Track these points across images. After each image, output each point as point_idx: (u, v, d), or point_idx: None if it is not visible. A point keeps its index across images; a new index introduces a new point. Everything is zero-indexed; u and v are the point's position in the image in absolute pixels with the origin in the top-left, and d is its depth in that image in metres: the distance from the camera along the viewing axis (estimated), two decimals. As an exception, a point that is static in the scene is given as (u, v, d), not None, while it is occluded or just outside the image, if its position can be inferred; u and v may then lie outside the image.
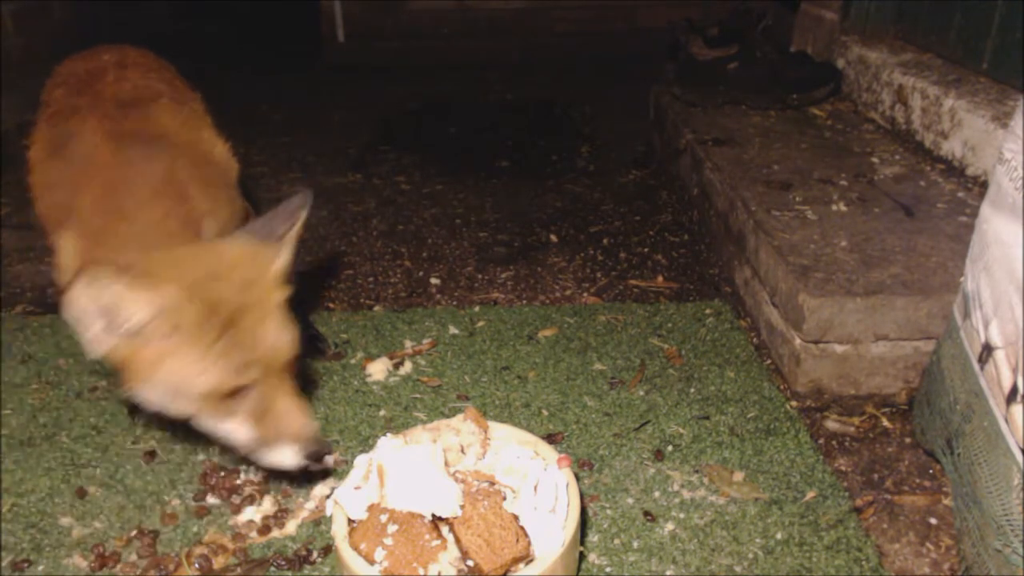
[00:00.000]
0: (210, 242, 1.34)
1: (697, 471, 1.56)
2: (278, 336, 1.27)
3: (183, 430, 1.70)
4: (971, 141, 2.19)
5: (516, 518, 1.19)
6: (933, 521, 1.44)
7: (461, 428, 1.35)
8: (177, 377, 1.20)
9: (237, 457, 1.61)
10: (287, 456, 1.30)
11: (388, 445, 1.26)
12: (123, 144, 1.39)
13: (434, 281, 2.38)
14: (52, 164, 1.41)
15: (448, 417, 1.45)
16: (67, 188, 1.35)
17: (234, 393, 1.22)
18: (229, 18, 5.09)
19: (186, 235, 1.33)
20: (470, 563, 1.14)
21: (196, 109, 1.70)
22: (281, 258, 1.33)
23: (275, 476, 1.56)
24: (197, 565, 1.34)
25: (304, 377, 1.89)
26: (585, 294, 2.29)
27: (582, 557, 1.35)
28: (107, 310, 1.15)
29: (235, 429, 1.28)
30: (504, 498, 1.23)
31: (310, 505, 1.49)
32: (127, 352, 1.20)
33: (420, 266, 2.47)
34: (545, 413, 1.74)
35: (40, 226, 1.47)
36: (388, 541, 1.17)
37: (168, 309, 1.16)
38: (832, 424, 1.72)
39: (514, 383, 1.85)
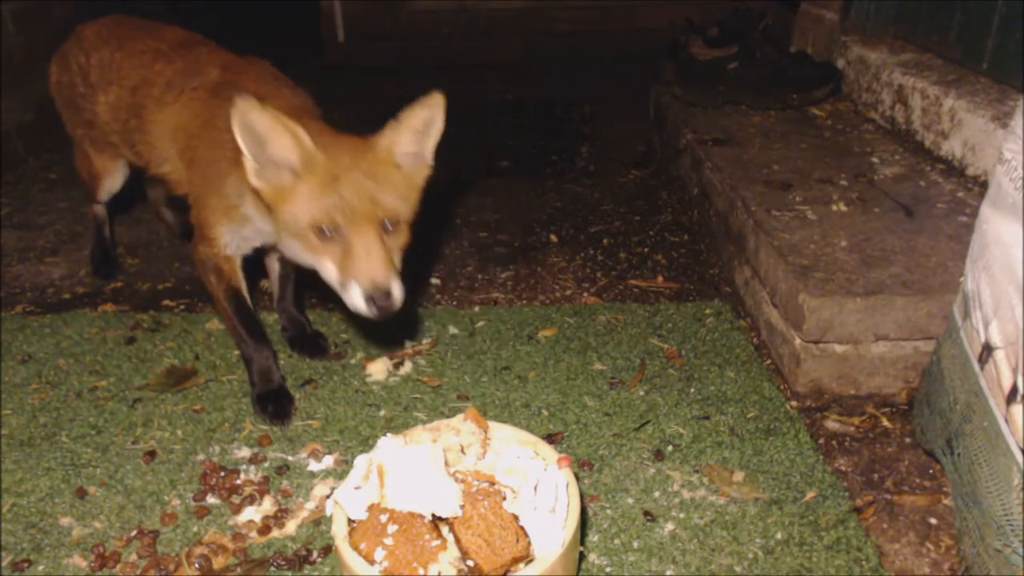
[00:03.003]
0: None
1: (697, 471, 1.56)
2: (376, 189, 1.43)
3: (183, 430, 1.71)
4: (971, 141, 2.19)
5: (516, 518, 1.19)
6: (933, 521, 1.44)
7: (461, 428, 1.35)
8: (292, 213, 1.42)
9: (237, 457, 1.62)
10: (355, 295, 1.42)
11: (388, 445, 1.26)
12: (279, 81, 1.80)
13: (434, 281, 2.38)
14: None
15: (448, 417, 1.45)
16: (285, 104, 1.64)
17: (321, 232, 1.40)
18: (229, 18, 5.10)
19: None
20: (470, 563, 1.14)
21: None
22: (392, 136, 1.51)
23: (277, 473, 1.56)
24: (197, 565, 1.34)
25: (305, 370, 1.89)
26: (585, 294, 2.29)
27: (582, 557, 1.35)
28: (259, 137, 1.37)
29: (325, 267, 1.45)
30: (504, 498, 1.23)
31: (310, 505, 1.49)
32: (274, 194, 1.42)
33: (420, 266, 2.47)
34: (545, 413, 1.74)
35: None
36: (388, 541, 1.17)
37: (305, 153, 1.39)
38: (832, 424, 1.72)
39: (514, 383, 1.85)
